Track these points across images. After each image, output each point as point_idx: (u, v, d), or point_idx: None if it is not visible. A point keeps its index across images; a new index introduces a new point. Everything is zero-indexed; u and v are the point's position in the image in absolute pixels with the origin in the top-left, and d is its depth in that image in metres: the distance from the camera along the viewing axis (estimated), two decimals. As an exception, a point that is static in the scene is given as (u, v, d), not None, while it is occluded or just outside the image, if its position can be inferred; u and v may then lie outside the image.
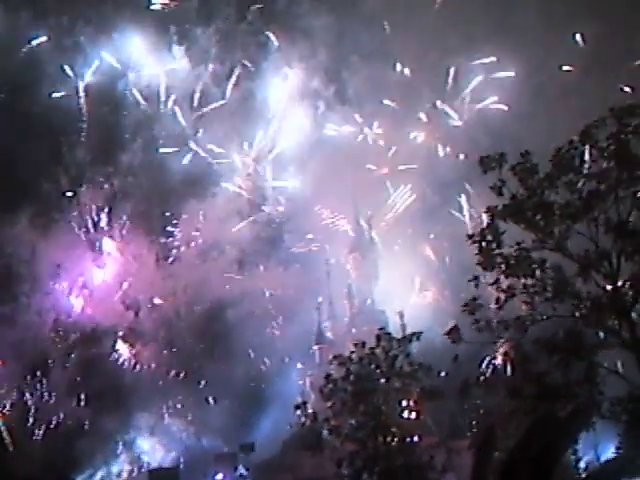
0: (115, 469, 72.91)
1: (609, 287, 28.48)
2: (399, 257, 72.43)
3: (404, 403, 39.98)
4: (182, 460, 71.48)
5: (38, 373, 73.66)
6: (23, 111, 77.55)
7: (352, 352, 38.54)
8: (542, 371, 29.06)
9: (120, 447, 73.57)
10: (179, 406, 74.63)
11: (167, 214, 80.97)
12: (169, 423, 74.49)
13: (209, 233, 78.65)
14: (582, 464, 29.74)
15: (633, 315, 28.28)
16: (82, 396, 71.75)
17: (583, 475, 31.83)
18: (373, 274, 74.44)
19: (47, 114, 77.20)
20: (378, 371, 37.74)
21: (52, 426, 72.26)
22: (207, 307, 77.45)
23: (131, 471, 71.81)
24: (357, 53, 78.67)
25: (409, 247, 73.64)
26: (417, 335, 38.52)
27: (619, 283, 28.43)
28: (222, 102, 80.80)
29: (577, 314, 28.86)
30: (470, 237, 30.07)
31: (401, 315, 61.40)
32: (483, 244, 29.62)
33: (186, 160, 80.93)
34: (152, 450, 73.55)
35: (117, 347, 77.14)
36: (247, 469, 59.91)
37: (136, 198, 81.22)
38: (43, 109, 77.62)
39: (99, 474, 71.77)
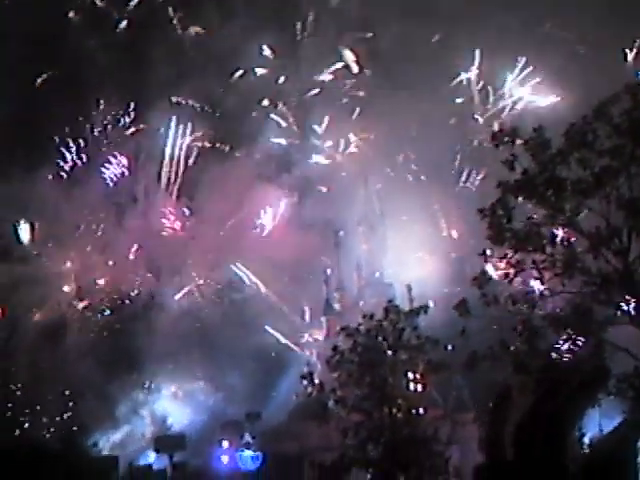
0: (138, 430, 73.39)
1: (619, 264, 28.33)
2: (408, 230, 71.72)
3: (410, 375, 40.04)
4: (192, 425, 71.53)
5: (56, 335, 74.11)
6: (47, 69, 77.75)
7: (360, 324, 38.58)
8: (549, 346, 29.06)
9: (143, 409, 74.07)
10: (200, 372, 74.82)
11: (189, 178, 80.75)
12: (193, 388, 74.76)
13: (232, 197, 77.89)
14: (586, 440, 29.80)
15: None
16: (101, 359, 71.95)
17: (587, 450, 31.82)
18: (382, 247, 73.73)
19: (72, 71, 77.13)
20: (385, 343, 37.80)
21: (67, 389, 72.82)
22: (225, 275, 77.83)
23: (156, 432, 72.00)
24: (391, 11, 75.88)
25: (419, 220, 72.89)
26: (424, 308, 38.54)
27: (629, 260, 28.26)
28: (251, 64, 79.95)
29: (586, 290, 28.77)
30: (481, 211, 29.98)
31: (409, 288, 60.98)
32: (493, 219, 29.53)
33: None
34: (177, 413, 73.86)
35: (135, 312, 77.36)
36: (253, 437, 59.96)
37: (159, 160, 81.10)
38: (68, 67, 77.60)
39: (119, 435, 72.19)
